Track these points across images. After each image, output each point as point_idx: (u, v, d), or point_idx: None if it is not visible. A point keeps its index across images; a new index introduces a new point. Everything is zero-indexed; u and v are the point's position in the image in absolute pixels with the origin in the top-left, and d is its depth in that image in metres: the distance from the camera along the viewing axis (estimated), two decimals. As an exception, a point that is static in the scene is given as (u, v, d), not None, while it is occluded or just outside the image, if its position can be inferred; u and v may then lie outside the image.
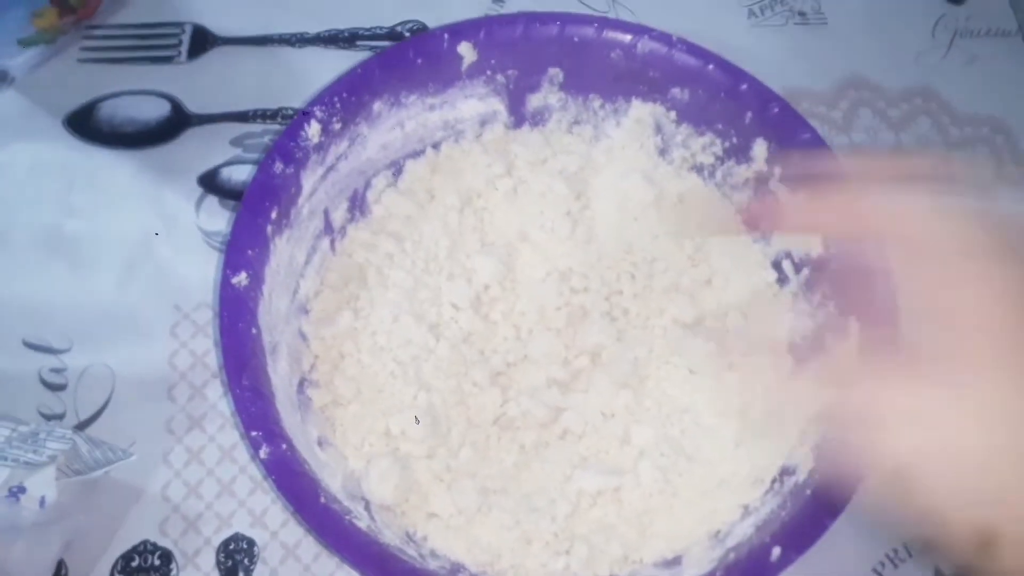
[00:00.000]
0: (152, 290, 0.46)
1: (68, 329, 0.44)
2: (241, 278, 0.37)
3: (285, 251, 0.40)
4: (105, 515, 0.41)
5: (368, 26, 0.54)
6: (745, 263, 0.45)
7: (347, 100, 0.41)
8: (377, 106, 0.42)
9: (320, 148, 0.41)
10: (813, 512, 0.35)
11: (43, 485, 0.36)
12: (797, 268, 0.43)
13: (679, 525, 0.39)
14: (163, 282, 0.46)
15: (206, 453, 0.43)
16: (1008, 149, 0.54)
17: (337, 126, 0.41)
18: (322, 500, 0.34)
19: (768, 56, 0.55)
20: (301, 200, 0.41)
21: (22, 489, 0.36)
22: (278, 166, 0.39)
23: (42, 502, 0.36)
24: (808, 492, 0.36)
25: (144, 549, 0.41)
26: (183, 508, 0.42)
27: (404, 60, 0.42)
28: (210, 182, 0.49)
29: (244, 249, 0.38)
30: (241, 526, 0.42)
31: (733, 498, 0.39)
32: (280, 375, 0.38)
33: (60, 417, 0.43)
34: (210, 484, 0.42)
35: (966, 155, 0.54)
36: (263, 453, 0.34)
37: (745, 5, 0.57)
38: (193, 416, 0.43)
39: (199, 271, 0.46)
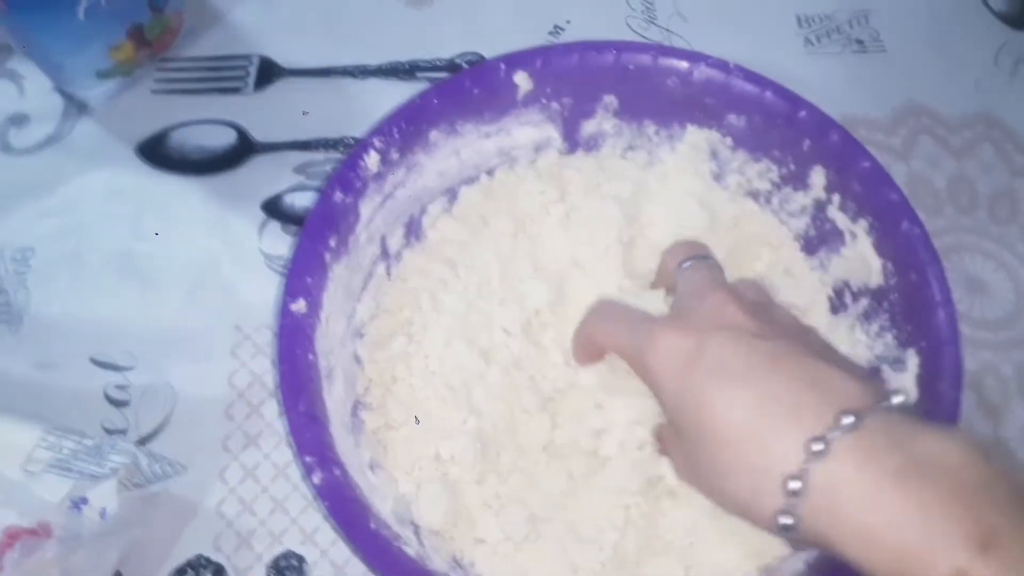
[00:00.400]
0: (215, 311, 0.47)
1: (133, 347, 0.46)
2: (300, 305, 0.38)
3: (343, 277, 0.41)
4: (162, 529, 0.42)
5: (428, 58, 0.55)
6: (801, 291, 0.44)
7: (405, 130, 0.42)
8: (434, 135, 0.43)
9: (379, 177, 0.42)
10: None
11: (105, 497, 0.38)
12: (855, 297, 0.43)
13: (727, 558, 0.38)
14: (225, 304, 0.47)
15: (261, 470, 0.44)
16: (1077, 177, 0.52)
17: (395, 156, 0.42)
18: (372, 526, 0.34)
19: (825, 83, 0.55)
20: (359, 228, 0.42)
21: (85, 500, 0.37)
22: (338, 195, 0.40)
23: (103, 513, 0.37)
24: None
25: (198, 563, 0.42)
26: (237, 524, 0.42)
27: (461, 90, 0.43)
28: (273, 208, 0.50)
29: (303, 276, 0.39)
30: (292, 543, 0.42)
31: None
32: (335, 399, 0.39)
33: (122, 432, 0.44)
34: (264, 501, 0.43)
35: (1032, 183, 0.52)
36: (316, 479, 0.35)
37: (801, 34, 0.57)
38: (249, 434, 0.44)
39: (260, 293, 0.47)
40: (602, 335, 0.39)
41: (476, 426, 0.40)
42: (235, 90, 0.53)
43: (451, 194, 0.46)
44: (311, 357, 0.37)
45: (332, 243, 0.39)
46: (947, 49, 0.57)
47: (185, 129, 0.52)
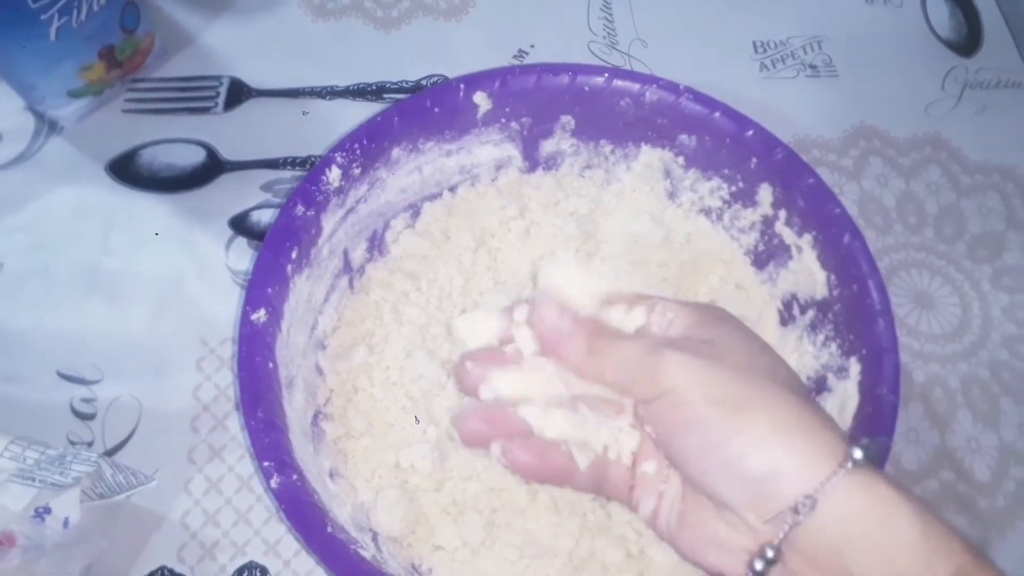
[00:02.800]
0: (181, 325, 0.48)
1: (100, 361, 0.47)
2: (260, 315, 0.39)
3: (304, 289, 0.42)
4: (126, 540, 0.42)
5: (395, 80, 0.57)
6: (752, 304, 0.46)
7: (367, 147, 0.43)
8: (396, 152, 0.44)
9: (340, 192, 0.43)
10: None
11: (67, 506, 0.38)
12: (803, 309, 0.44)
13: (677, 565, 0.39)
14: (191, 318, 0.48)
15: (225, 482, 0.44)
16: (1019, 196, 0.54)
17: (357, 171, 0.43)
18: (329, 530, 0.35)
19: (779, 107, 0.57)
20: (321, 241, 0.43)
21: (48, 510, 0.38)
22: (299, 209, 0.41)
23: (66, 523, 0.38)
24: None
25: (162, 575, 0.42)
26: (201, 535, 0.43)
27: (422, 109, 0.44)
28: (240, 224, 0.51)
29: (264, 287, 0.40)
30: (255, 554, 0.43)
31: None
32: (295, 408, 0.40)
33: (89, 445, 0.44)
34: (227, 513, 0.44)
35: (977, 202, 0.54)
36: (274, 483, 0.35)
37: (757, 59, 0.59)
38: (214, 447, 0.45)
39: (226, 308, 0.48)
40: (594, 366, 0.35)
41: (435, 435, 0.41)
42: (205, 110, 0.55)
43: (414, 209, 0.47)
44: (271, 366, 0.38)
45: (293, 255, 0.40)
46: (897, 74, 0.59)
47: (155, 147, 0.53)
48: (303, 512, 0.35)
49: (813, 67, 0.59)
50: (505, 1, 0.60)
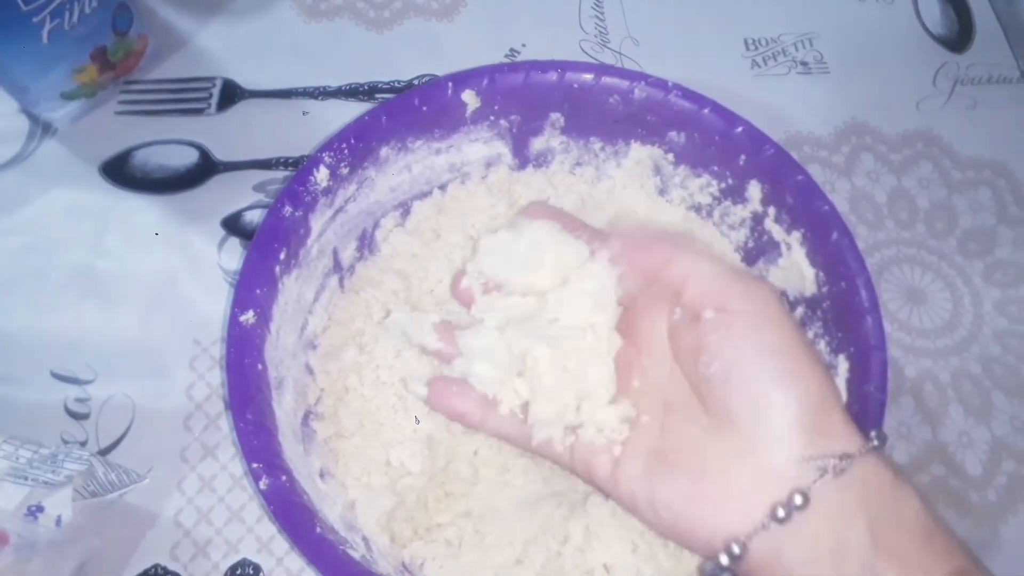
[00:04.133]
0: (174, 325, 0.48)
1: (94, 361, 0.47)
2: (248, 316, 0.39)
3: (294, 289, 0.42)
4: (119, 538, 0.42)
5: (387, 80, 0.57)
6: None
7: (355, 146, 0.43)
8: (384, 151, 0.44)
9: (328, 192, 0.43)
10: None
11: (60, 504, 0.38)
12: (792, 306, 0.44)
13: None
14: (184, 318, 0.48)
15: (218, 481, 0.45)
16: (1010, 191, 0.54)
17: (345, 171, 0.43)
18: (318, 530, 0.35)
19: (771, 103, 0.57)
20: (310, 241, 0.43)
21: (40, 508, 0.38)
22: (287, 209, 0.41)
23: (58, 521, 0.38)
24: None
25: (155, 573, 0.42)
26: (194, 533, 0.43)
27: (410, 108, 0.44)
28: (233, 224, 0.51)
29: (252, 288, 0.40)
30: (248, 552, 0.43)
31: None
32: (285, 409, 0.40)
33: (82, 444, 0.45)
34: (220, 511, 0.44)
35: (968, 198, 0.54)
36: (263, 484, 0.36)
37: (749, 57, 0.59)
38: (207, 445, 0.45)
39: (218, 308, 0.48)
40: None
41: (425, 433, 0.41)
42: (198, 111, 0.55)
43: (404, 208, 0.47)
44: (260, 367, 0.38)
45: (282, 256, 0.40)
46: (888, 71, 0.59)
47: (148, 149, 0.53)
48: (292, 513, 0.35)
49: (804, 64, 0.59)
50: (496, 1, 0.61)
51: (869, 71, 0.59)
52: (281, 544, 0.43)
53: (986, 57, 0.59)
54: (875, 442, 0.32)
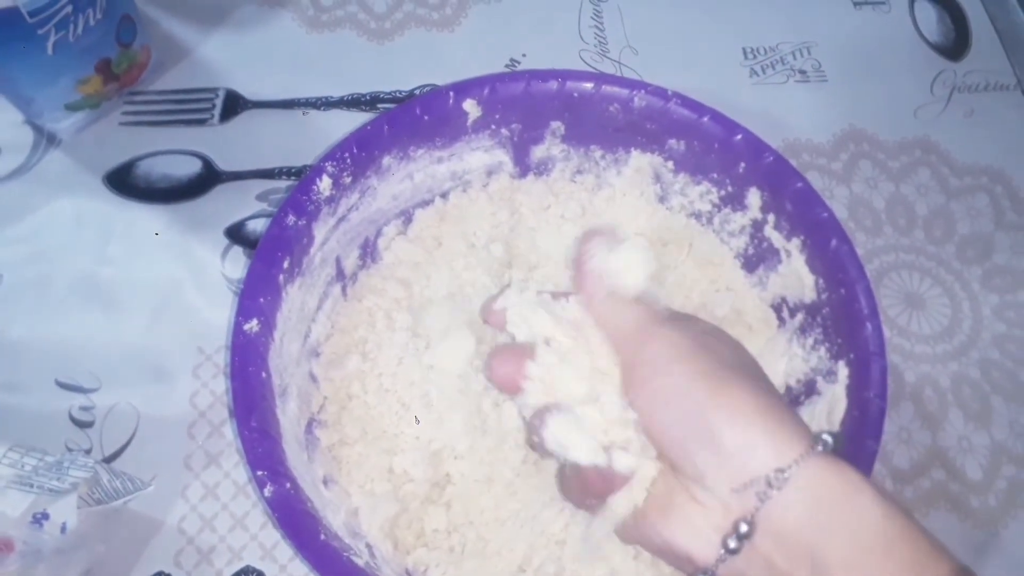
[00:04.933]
0: (178, 333, 0.48)
1: (98, 369, 0.47)
2: (252, 325, 0.39)
3: (297, 298, 0.42)
4: (124, 546, 0.43)
5: (388, 90, 0.57)
6: (744, 306, 0.46)
7: (357, 155, 0.43)
8: (386, 160, 0.45)
9: (331, 200, 0.43)
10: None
11: (65, 512, 0.38)
12: (792, 313, 0.44)
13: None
14: (188, 326, 0.49)
15: (221, 488, 0.45)
16: (1008, 198, 0.55)
17: (347, 180, 0.43)
18: (322, 537, 0.35)
19: (770, 111, 0.57)
20: (313, 249, 0.43)
21: (46, 516, 0.38)
22: (290, 219, 0.42)
23: (63, 528, 0.38)
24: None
25: (159, 580, 0.43)
26: (198, 541, 0.43)
27: (412, 117, 0.44)
28: (236, 234, 0.52)
29: (256, 297, 0.40)
30: (252, 559, 0.43)
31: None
32: (289, 416, 0.40)
33: (87, 452, 0.45)
34: (224, 518, 0.44)
35: (966, 204, 0.55)
36: (267, 491, 0.36)
37: (747, 65, 0.60)
38: (210, 453, 0.45)
39: (222, 316, 0.49)
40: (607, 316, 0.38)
41: (428, 441, 0.42)
42: (201, 122, 0.55)
43: (406, 216, 0.48)
44: (264, 375, 0.39)
45: (285, 265, 0.41)
46: (885, 79, 0.59)
47: (152, 159, 0.54)
48: (296, 520, 0.35)
49: (803, 72, 0.60)
50: (497, 12, 0.61)
51: (867, 79, 0.59)
52: (284, 551, 0.44)
53: (983, 65, 0.60)
54: (820, 447, 0.31)
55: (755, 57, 0.60)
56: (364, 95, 0.57)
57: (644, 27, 0.61)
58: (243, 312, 0.39)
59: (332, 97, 0.57)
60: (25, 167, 0.53)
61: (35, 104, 0.52)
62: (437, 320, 0.43)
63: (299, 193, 0.42)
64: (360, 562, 0.36)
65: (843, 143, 0.57)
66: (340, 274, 0.45)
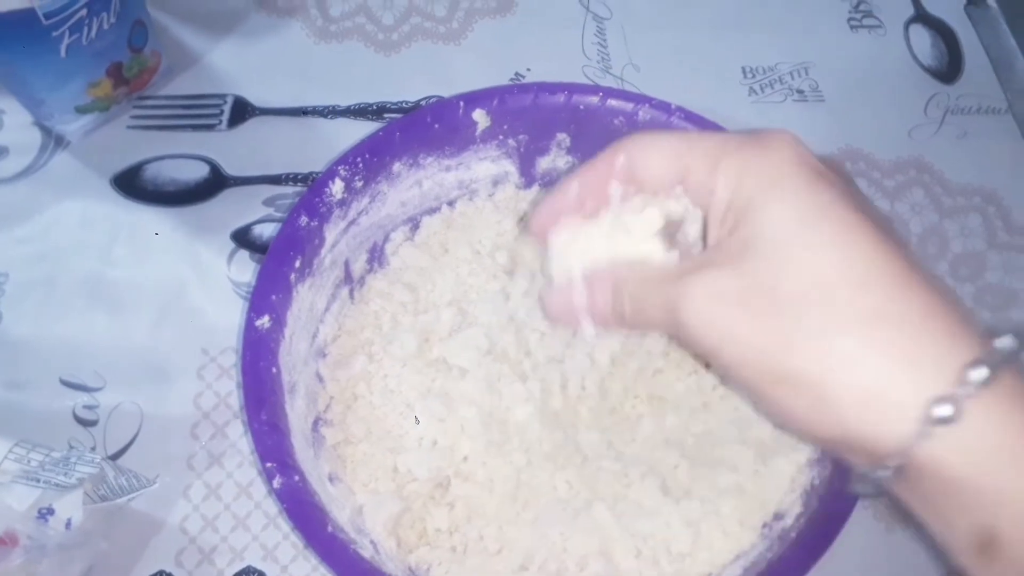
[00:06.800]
0: (182, 335, 0.49)
1: (102, 369, 0.47)
2: (264, 321, 0.40)
3: (307, 298, 0.43)
4: (126, 543, 0.43)
5: (395, 100, 0.58)
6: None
7: (369, 160, 0.44)
8: (397, 166, 0.46)
9: (343, 204, 0.44)
10: (797, 554, 0.36)
11: (71, 508, 0.39)
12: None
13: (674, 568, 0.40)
14: (193, 328, 0.49)
15: (224, 489, 0.45)
16: (1000, 218, 0.56)
17: (359, 184, 0.44)
18: (329, 529, 0.36)
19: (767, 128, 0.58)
20: (324, 251, 0.44)
21: (51, 510, 0.39)
22: (303, 219, 0.43)
23: (68, 524, 0.39)
24: (793, 535, 0.37)
25: (160, 579, 0.43)
26: (199, 540, 0.44)
27: (422, 125, 0.45)
28: (242, 238, 0.52)
29: (268, 295, 0.41)
30: (253, 559, 0.43)
31: (727, 545, 0.40)
32: (297, 412, 0.41)
33: (91, 451, 0.45)
34: (226, 518, 0.44)
35: (959, 223, 0.56)
36: (276, 483, 0.36)
37: (746, 84, 0.61)
38: (213, 453, 0.46)
39: (227, 318, 0.49)
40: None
41: (432, 441, 0.42)
42: (209, 127, 0.56)
43: (413, 223, 0.48)
44: (274, 371, 0.39)
45: (297, 264, 0.41)
46: (881, 100, 0.61)
47: (159, 162, 0.54)
48: (305, 512, 0.36)
49: (800, 92, 0.61)
50: (502, 26, 0.62)
51: (863, 100, 0.61)
52: (286, 552, 0.44)
53: (975, 88, 0.61)
54: (983, 368, 0.24)
55: (754, 76, 0.62)
56: (371, 105, 0.58)
57: (646, 45, 0.62)
58: (255, 308, 0.40)
59: (339, 106, 0.58)
60: (33, 168, 0.53)
61: (45, 106, 0.52)
62: (447, 321, 0.44)
63: (312, 195, 0.42)
64: (366, 555, 0.36)
65: (839, 161, 0.58)
66: (348, 277, 0.46)
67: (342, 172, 0.43)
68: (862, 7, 0.65)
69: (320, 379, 0.44)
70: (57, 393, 0.47)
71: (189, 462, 0.45)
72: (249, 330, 0.39)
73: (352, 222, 0.45)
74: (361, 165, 0.44)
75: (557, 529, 0.40)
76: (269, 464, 0.36)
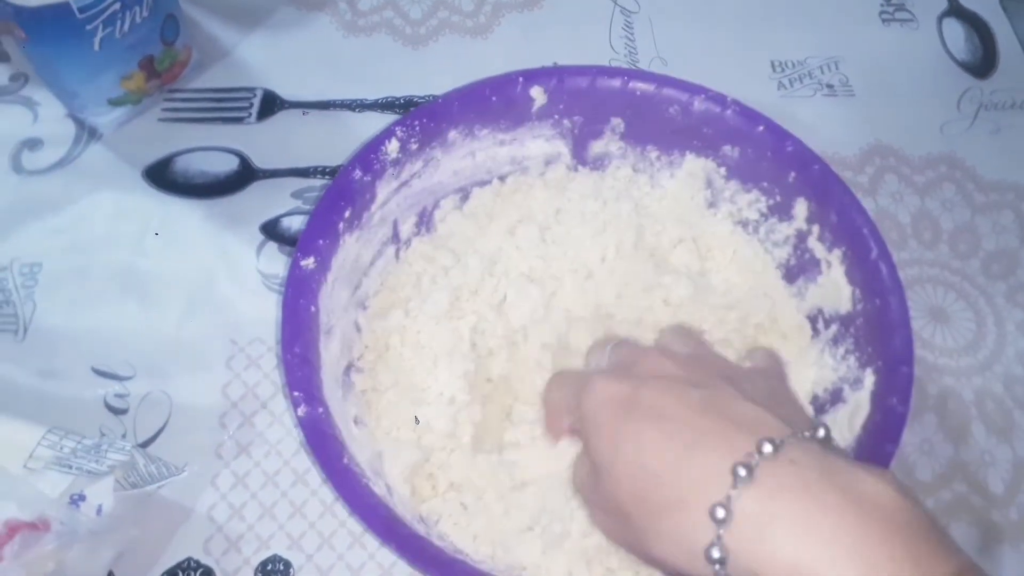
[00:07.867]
0: (212, 325, 0.49)
1: (133, 358, 0.48)
2: (309, 262, 0.41)
3: (353, 249, 0.44)
4: (155, 531, 0.43)
5: (422, 94, 0.59)
6: (780, 314, 0.47)
7: (426, 125, 0.45)
8: (452, 134, 0.47)
9: (397, 163, 0.45)
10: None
11: (101, 494, 0.39)
12: (827, 324, 0.45)
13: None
14: (222, 318, 0.50)
15: (251, 478, 0.45)
16: (1034, 214, 0.55)
17: (414, 146, 0.45)
18: (345, 461, 0.37)
19: (797, 124, 0.57)
20: (374, 207, 0.45)
21: (83, 497, 0.39)
22: (356, 173, 0.44)
23: (99, 510, 0.39)
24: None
25: (188, 566, 0.43)
26: (226, 529, 0.44)
27: (481, 97, 0.46)
28: (271, 230, 0.53)
29: (316, 238, 0.42)
30: (279, 548, 0.44)
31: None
32: (331, 354, 0.42)
33: (121, 438, 0.46)
34: (253, 507, 0.45)
35: (991, 220, 0.55)
36: (300, 412, 0.38)
37: (776, 78, 0.61)
38: (241, 443, 0.46)
39: (256, 309, 0.50)
40: (552, 403, 0.42)
41: (451, 397, 0.43)
42: (238, 120, 0.56)
43: (463, 193, 0.49)
44: (313, 309, 0.41)
45: (347, 215, 0.43)
46: (912, 95, 0.60)
47: (190, 155, 0.55)
48: (324, 443, 0.37)
49: (830, 86, 0.60)
50: (529, 20, 0.62)
51: (894, 95, 0.60)
52: (311, 541, 0.44)
53: (1009, 83, 0.60)
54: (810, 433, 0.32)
55: (783, 71, 0.61)
56: (398, 98, 0.58)
57: (673, 38, 0.62)
58: (302, 249, 0.41)
59: (367, 100, 0.58)
60: (67, 159, 0.54)
61: (79, 98, 0.53)
62: (475, 272, 0.46)
63: (368, 151, 0.44)
64: (378, 492, 0.37)
65: (869, 157, 0.57)
66: (395, 237, 0.47)
67: (399, 133, 0.44)
68: (894, 0, 0.64)
69: (358, 328, 0.45)
70: (89, 381, 0.47)
71: (217, 451, 0.46)
72: (294, 267, 0.41)
73: (404, 183, 0.46)
74: (418, 128, 0.45)
75: (565, 501, 0.40)
76: (296, 393, 0.38)
